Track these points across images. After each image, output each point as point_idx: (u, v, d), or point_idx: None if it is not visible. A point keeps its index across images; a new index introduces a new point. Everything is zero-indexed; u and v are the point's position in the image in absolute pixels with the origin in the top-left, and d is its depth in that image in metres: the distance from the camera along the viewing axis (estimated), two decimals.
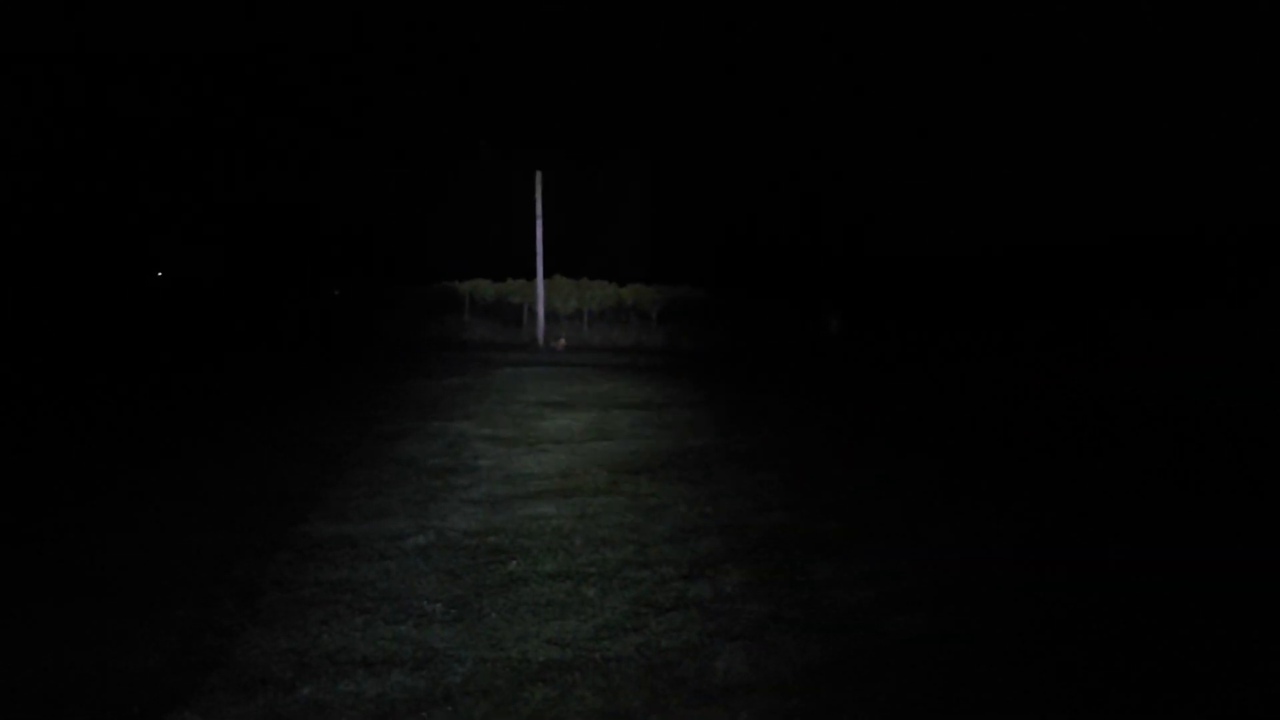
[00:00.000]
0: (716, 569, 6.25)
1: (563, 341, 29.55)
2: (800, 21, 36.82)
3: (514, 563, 6.31)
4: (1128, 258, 24.24)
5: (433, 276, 33.29)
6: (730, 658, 4.80)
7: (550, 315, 31.45)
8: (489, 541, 6.79)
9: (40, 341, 23.03)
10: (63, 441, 10.48)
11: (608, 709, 4.23)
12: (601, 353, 27.88)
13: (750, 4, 37.37)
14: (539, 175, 30.62)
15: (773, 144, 36.49)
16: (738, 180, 37.39)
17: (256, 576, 5.87)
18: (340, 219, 37.53)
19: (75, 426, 11.56)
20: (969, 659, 4.85)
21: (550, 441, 11.04)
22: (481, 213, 35.85)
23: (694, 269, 32.71)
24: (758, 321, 29.99)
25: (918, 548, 6.86)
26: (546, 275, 31.19)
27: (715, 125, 37.57)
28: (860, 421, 13.59)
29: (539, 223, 30.54)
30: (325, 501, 7.84)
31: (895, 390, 17.75)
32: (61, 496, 7.81)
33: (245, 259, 35.38)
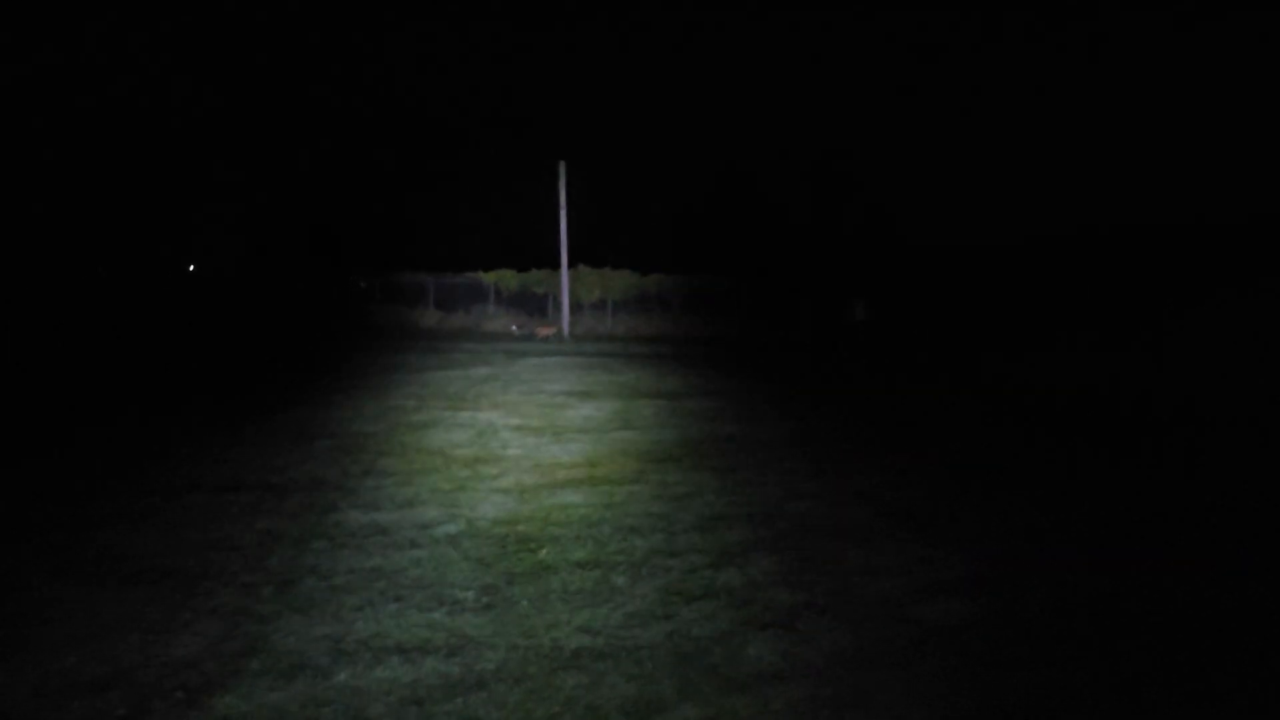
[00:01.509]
0: (746, 557, 6.27)
1: (542, 330, 29.63)
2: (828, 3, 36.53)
3: (543, 551, 6.35)
4: (1171, 245, 23.63)
5: (460, 267, 33.41)
6: (761, 646, 4.81)
7: (574, 305, 31.48)
8: (518, 530, 6.83)
9: (78, 335, 23.29)
10: (101, 433, 10.62)
11: (640, 696, 4.26)
12: (625, 342, 27.93)
13: None
14: (562, 165, 30.63)
15: (799, 129, 36.26)
16: (761, 167, 37.21)
17: (292, 565, 5.94)
18: (366, 210, 37.67)
19: (113, 418, 11.71)
20: (1000, 646, 4.84)
21: (576, 431, 11.08)
22: (506, 203, 35.89)
23: (718, 258, 32.63)
24: (782, 310, 29.92)
25: (948, 536, 6.84)
26: (570, 265, 31.22)
27: (740, 112, 37.39)
28: (888, 410, 13.55)
29: (563, 212, 30.55)
30: (357, 491, 7.91)
31: (924, 379, 17.68)
32: (100, 488, 7.92)
33: (273, 252, 35.60)
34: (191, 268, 33.70)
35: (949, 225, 31.65)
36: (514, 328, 30.42)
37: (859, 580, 5.85)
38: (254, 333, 27.99)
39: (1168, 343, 19.98)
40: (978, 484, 8.63)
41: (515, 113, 38.50)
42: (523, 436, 10.67)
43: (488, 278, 33.19)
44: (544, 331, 29.42)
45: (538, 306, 32.55)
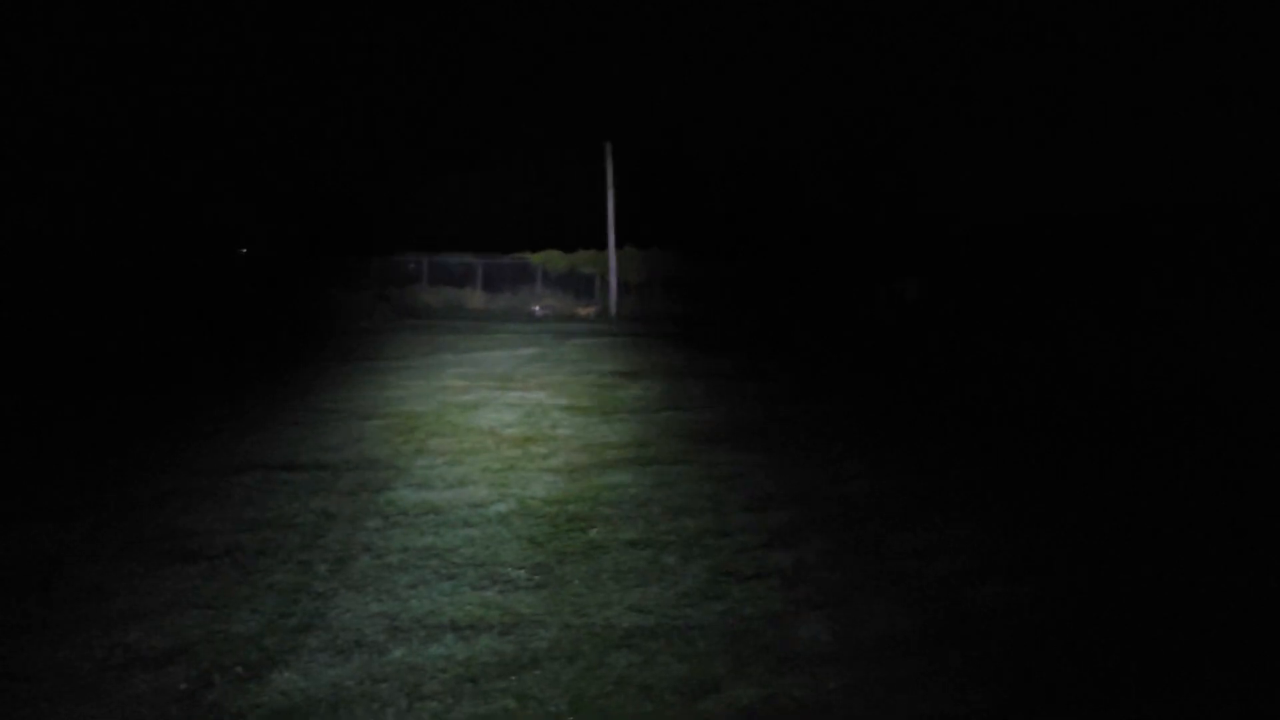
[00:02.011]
0: (796, 537, 6.23)
1: (582, 310, 29.68)
2: None
3: (594, 530, 6.36)
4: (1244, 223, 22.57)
5: (507, 248, 33.55)
6: (814, 626, 4.79)
7: (621, 285, 31.48)
8: (569, 509, 6.86)
9: (135, 317, 23.75)
10: (156, 412, 10.82)
11: (692, 675, 4.25)
12: (673, 323, 27.88)
13: None
14: (608, 146, 30.58)
15: (844, 105, 35.68)
16: (807, 144, 36.74)
17: (347, 543, 6.01)
18: (413, 192, 37.90)
19: (167, 398, 11.93)
20: (1050, 630, 4.77)
21: (626, 411, 11.09)
22: (551, 184, 35.90)
23: (768, 239, 32.37)
24: (833, 292, 29.64)
25: (1002, 520, 6.76)
26: (617, 246, 31.21)
27: (784, 87, 36.93)
28: (936, 393, 13.40)
29: (610, 193, 30.52)
30: (409, 471, 7.98)
31: (972, 361, 17.45)
32: (158, 467, 8.07)
33: (322, 234, 35.98)
34: (245, 250, 34.17)
35: (1005, 200, 30.74)
36: (535, 309, 30.48)
37: (911, 562, 5.79)
38: (303, 315, 28.35)
39: (1239, 326, 19.28)
40: (1030, 467, 8.50)
41: (562, 94, 38.35)
42: (572, 416, 10.70)
43: (535, 259, 33.32)
44: (584, 311, 29.47)
45: (585, 287, 32.61)
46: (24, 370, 14.52)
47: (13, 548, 5.88)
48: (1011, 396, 12.67)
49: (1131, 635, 4.71)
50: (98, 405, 11.38)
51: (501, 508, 6.88)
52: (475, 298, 33.17)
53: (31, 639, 4.53)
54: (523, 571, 5.55)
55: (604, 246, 31.16)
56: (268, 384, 13.34)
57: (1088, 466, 8.45)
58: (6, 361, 15.56)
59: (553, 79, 39.48)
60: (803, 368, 16.07)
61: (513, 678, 4.21)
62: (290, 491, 7.25)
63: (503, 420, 10.39)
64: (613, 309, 30.36)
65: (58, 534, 6.13)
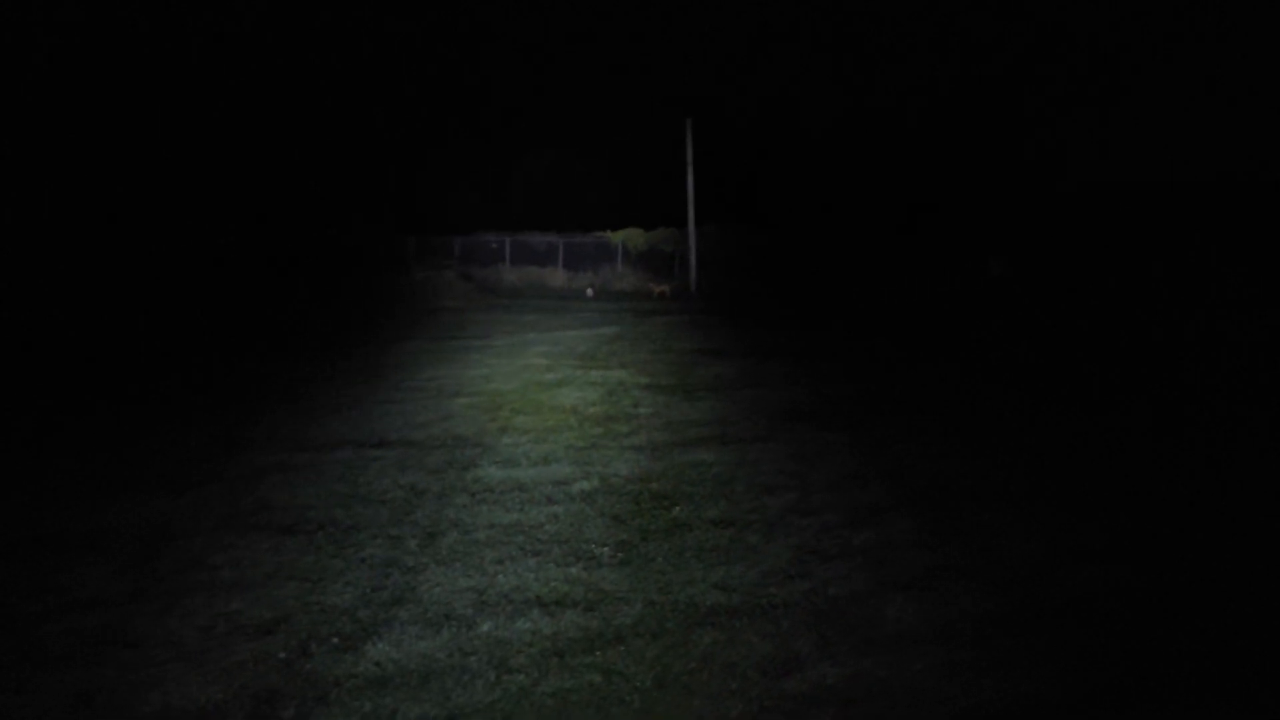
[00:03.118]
0: (881, 517, 6.17)
1: (657, 288, 29.52)
2: None
3: (677, 508, 6.39)
4: None
5: (587, 226, 33.69)
6: (901, 607, 4.74)
7: (701, 263, 31.36)
8: (651, 488, 6.89)
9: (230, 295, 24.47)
10: (253, 387, 11.16)
11: (776, 654, 4.26)
12: (755, 300, 27.68)
13: None
14: (689, 123, 30.43)
15: (931, 60, 34.58)
16: (892, 107, 35.80)
17: (436, 519, 6.14)
18: (493, 171, 38.24)
19: (266, 370, 12.29)
20: (1146, 615, 4.65)
21: (707, 389, 11.08)
22: (633, 163, 35.83)
23: (851, 212, 31.79)
24: (918, 267, 29.06)
25: (1094, 503, 6.59)
26: (699, 223, 31.08)
27: (861, 58, 36.09)
28: (1028, 372, 13.09)
29: (690, 170, 30.40)
30: (495, 448, 8.11)
31: (1069, 340, 16.99)
32: (253, 443, 8.33)
33: (405, 214, 36.52)
34: (333, 232, 34.90)
35: (1110, 163, 28.68)
36: (589, 291, 30.46)
37: (1000, 543, 5.69)
38: (389, 295, 28.86)
39: None
40: (1128, 452, 8.26)
41: (643, 68, 38.16)
42: (654, 395, 10.73)
43: (615, 237, 33.40)
44: (665, 289, 29.42)
45: (665, 265, 32.60)
46: (144, 346, 15.09)
47: (122, 516, 6.15)
48: (1115, 380, 12.32)
49: (1235, 626, 4.57)
50: (202, 375, 11.77)
51: (585, 485, 6.95)
52: (556, 276, 33.41)
53: (140, 608, 4.74)
54: (607, 549, 5.61)
55: (685, 224, 31.08)
56: (357, 363, 13.64)
57: (1202, 455, 8.19)
58: (119, 339, 16.19)
59: (634, 52, 39.29)
60: (891, 344, 15.83)
61: (598, 653, 4.27)
62: (380, 468, 7.42)
63: (585, 398, 10.47)
64: (693, 286, 30.30)
65: (163, 507, 6.39)
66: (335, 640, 4.38)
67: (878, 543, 5.68)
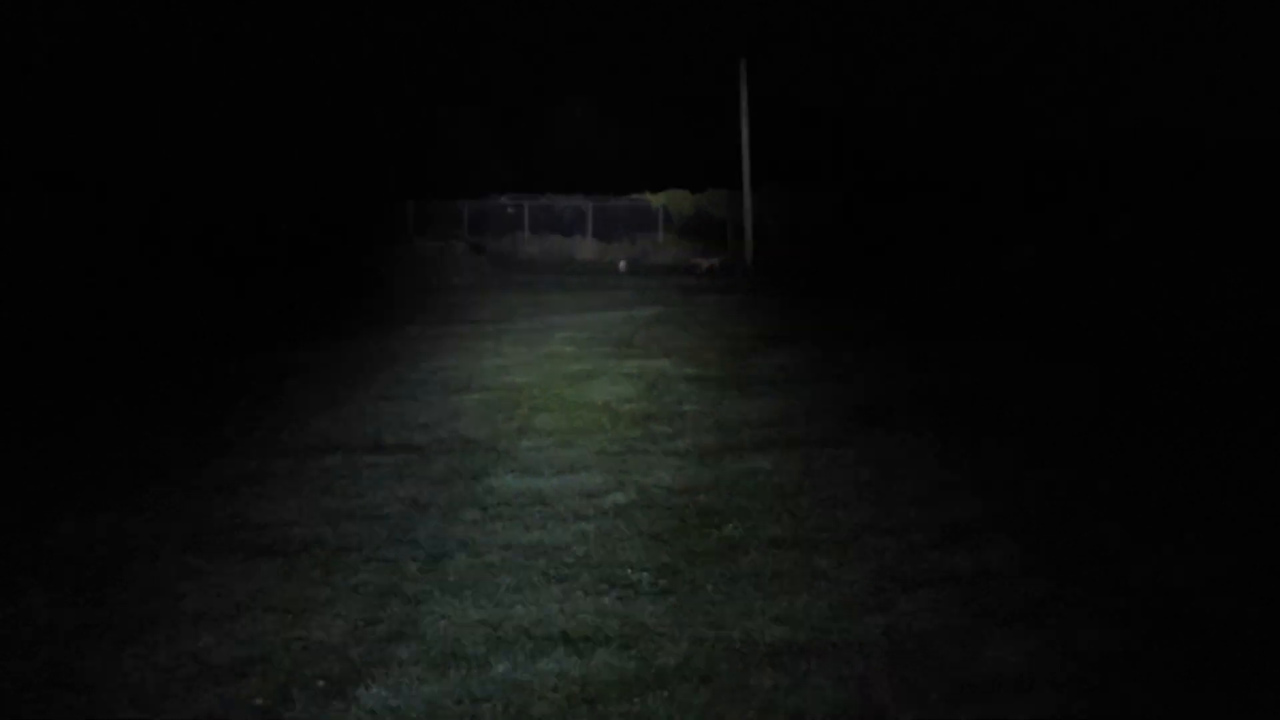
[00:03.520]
0: (978, 536, 6.08)
1: (703, 261, 29.23)
2: None
3: (729, 526, 6.34)
4: None
5: (622, 187, 33.45)
6: (1001, 645, 4.66)
7: (760, 231, 31.03)
8: (699, 501, 6.85)
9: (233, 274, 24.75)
10: (225, 384, 11.25)
11: (851, 702, 4.19)
12: (823, 275, 27.53)
13: None
14: (743, 64, 30.13)
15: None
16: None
17: (441, 538, 6.14)
18: (509, 122, 38.23)
19: (236, 368, 12.39)
20: None
21: (764, 382, 11.02)
22: (677, 113, 35.56)
23: (939, 179, 31.43)
24: (1012, 238, 28.64)
25: (1230, 516, 6.47)
26: (755, 185, 30.75)
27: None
28: (1144, 364, 12.89)
29: (744, 121, 30.13)
30: (512, 453, 8.11)
31: (1186, 324, 16.70)
32: (226, 447, 8.39)
33: (401, 174, 36.58)
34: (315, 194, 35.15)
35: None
36: (621, 264, 30.27)
37: (1124, 567, 5.59)
38: (383, 271, 29.01)
39: None
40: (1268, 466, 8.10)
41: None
42: (702, 389, 10.69)
43: (656, 200, 33.20)
44: (705, 263, 29.09)
45: (715, 234, 32.41)
46: (100, 342, 15.29)
47: (71, 539, 6.20)
48: (1238, 376, 12.09)
49: None
50: (168, 368, 11.88)
51: (619, 498, 6.92)
52: (585, 247, 33.39)
53: (90, 644, 4.76)
54: (646, 574, 5.57)
55: (738, 185, 30.82)
56: (349, 352, 13.71)
57: None
58: (69, 327, 16.41)
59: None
60: (985, 329, 15.68)
61: (635, 700, 4.22)
62: (375, 477, 7.44)
63: (620, 394, 10.45)
64: (749, 259, 30.12)
65: (119, 524, 6.44)
66: (321, 684, 4.37)
67: (973, 568, 5.60)
